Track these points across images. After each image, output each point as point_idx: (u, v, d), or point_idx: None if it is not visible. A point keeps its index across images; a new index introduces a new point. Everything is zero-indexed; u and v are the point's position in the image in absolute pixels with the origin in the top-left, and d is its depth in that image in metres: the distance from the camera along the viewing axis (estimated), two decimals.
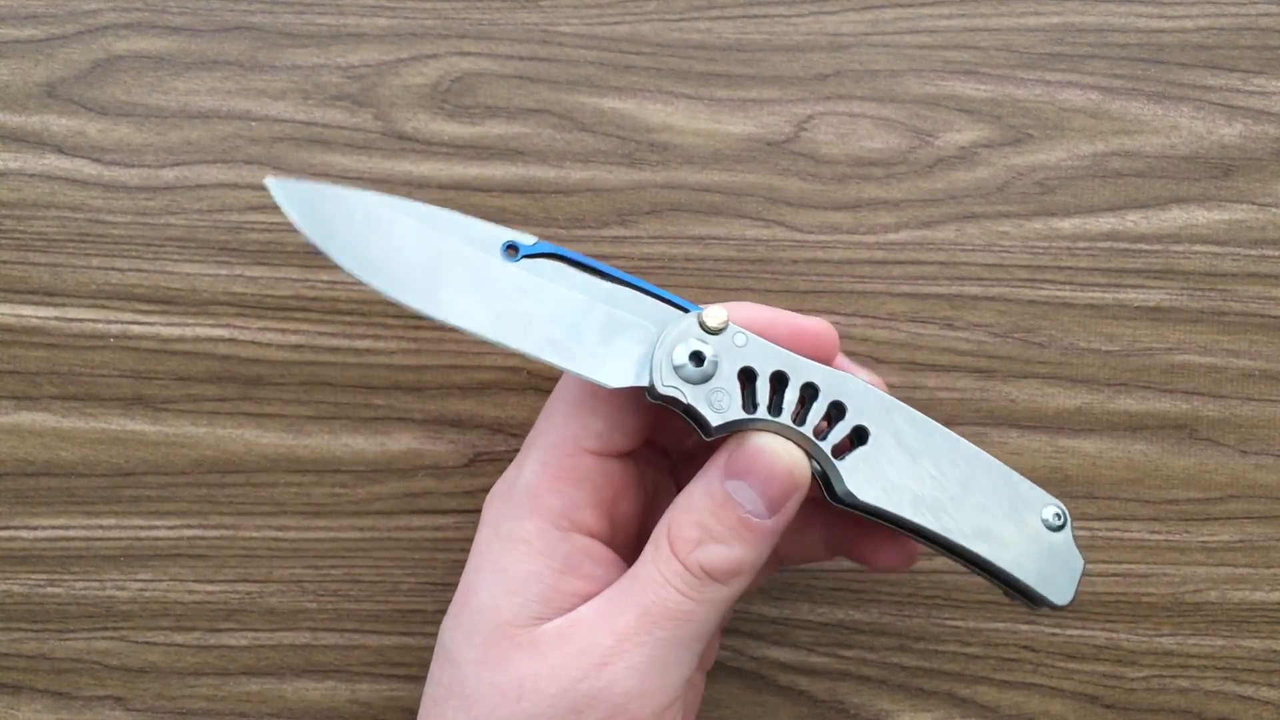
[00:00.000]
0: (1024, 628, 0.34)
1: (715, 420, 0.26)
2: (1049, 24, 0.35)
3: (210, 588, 0.34)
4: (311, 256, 0.34)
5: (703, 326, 0.26)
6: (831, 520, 0.31)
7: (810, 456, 0.27)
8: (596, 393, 0.27)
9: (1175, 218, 0.35)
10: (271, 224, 0.34)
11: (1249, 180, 0.35)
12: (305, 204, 0.27)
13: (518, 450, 0.34)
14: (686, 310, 0.27)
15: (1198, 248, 0.35)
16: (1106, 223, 0.35)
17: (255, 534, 0.34)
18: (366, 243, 0.27)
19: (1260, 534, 0.35)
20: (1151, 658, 0.34)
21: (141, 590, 0.34)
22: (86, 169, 0.34)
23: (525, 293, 0.27)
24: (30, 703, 0.34)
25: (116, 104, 0.34)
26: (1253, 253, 0.35)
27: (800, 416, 0.27)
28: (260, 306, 0.34)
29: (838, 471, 0.27)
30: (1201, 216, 0.35)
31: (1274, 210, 0.35)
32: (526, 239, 0.27)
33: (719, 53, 0.35)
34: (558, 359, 0.27)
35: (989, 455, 0.28)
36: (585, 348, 0.27)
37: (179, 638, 0.34)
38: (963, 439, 0.27)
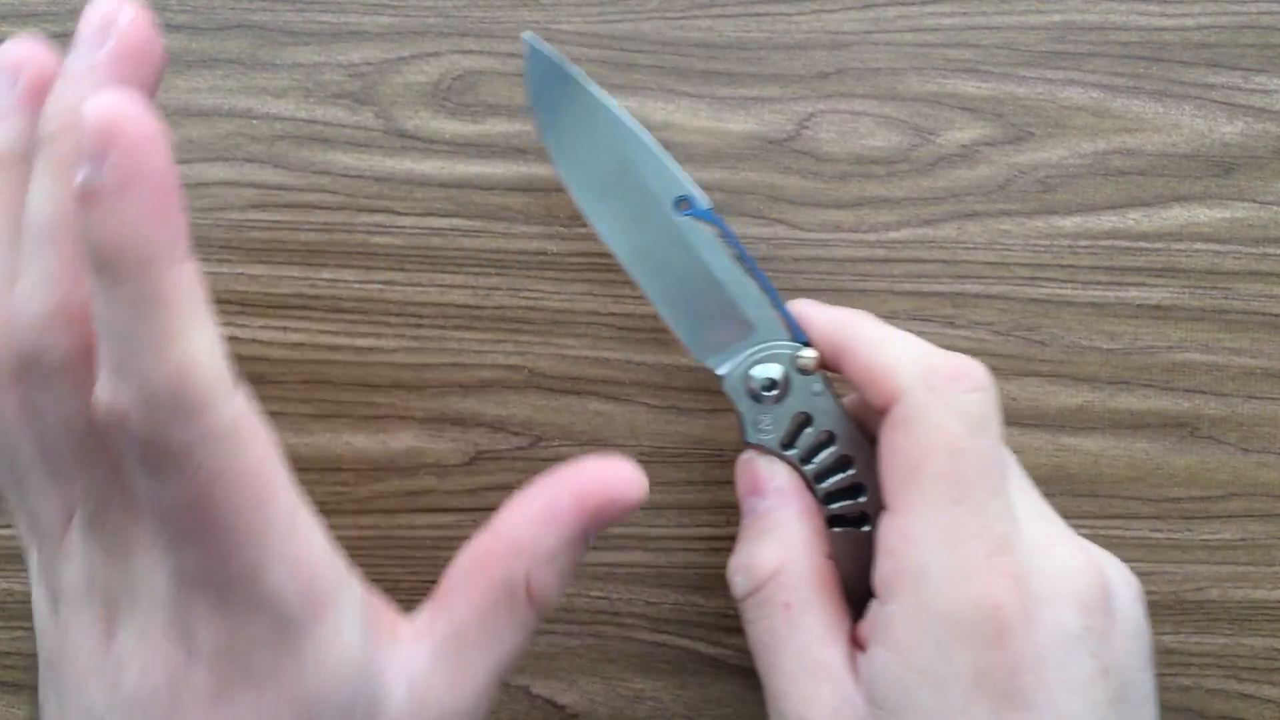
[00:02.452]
0: None
1: (750, 438, 0.30)
2: (1050, 22, 0.35)
3: None
4: (312, 255, 0.34)
5: (795, 365, 0.29)
6: None
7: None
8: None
9: (1177, 216, 0.35)
10: (273, 222, 0.34)
11: (1250, 178, 0.35)
12: (543, 73, 0.31)
13: (519, 450, 0.35)
14: (795, 335, 0.30)
15: (1199, 246, 0.35)
16: (1108, 221, 0.35)
17: None
18: (573, 129, 0.31)
19: (1262, 532, 0.35)
20: (1153, 656, 0.34)
21: None
22: None
23: (672, 245, 0.30)
24: (32, 701, 0.34)
25: None
26: (1254, 251, 0.35)
27: (822, 476, 0.29)
28: (261, 305, 0.34)
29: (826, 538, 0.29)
30: (1203, 214, 0.35)
31: (1275, 208, 0.35)
32: (702, 200, 0.30)
33: (720, 51, 0.35)
34: (666, 313, 0.30)
35: None
36: (693, 316, 0.30)
37: None
38: None
